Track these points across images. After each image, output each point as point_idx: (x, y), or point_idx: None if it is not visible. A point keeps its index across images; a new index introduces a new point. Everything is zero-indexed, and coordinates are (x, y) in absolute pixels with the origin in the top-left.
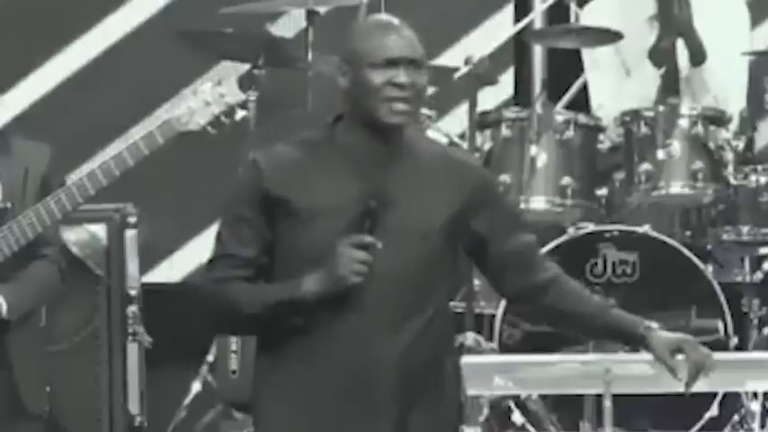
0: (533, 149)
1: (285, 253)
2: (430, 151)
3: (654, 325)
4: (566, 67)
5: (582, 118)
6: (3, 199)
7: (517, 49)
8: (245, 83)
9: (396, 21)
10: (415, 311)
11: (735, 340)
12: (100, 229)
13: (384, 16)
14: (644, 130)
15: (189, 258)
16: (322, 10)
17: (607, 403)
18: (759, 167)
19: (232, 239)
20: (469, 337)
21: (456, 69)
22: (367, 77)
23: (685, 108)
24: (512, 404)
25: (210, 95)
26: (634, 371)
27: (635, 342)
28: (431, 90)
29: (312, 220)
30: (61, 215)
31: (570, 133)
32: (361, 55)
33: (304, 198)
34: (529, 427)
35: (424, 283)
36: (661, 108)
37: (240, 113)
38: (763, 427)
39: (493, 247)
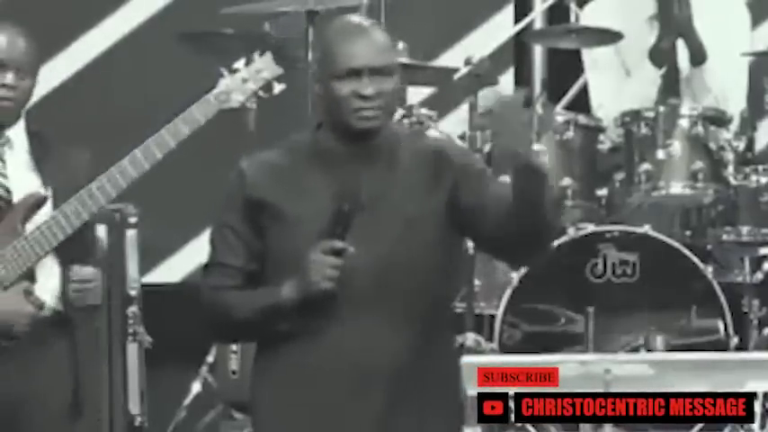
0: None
1: (273, 258)
2: (413, 148)
3: None
4: (566, 68)
5: (582, 118)
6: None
7: (517, 49)
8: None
9: (364, 24)
10: (408, 309)
11: (735, 340)
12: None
13: (353, 20)
14: (644, 130)
15: (189, 259)
16: (322, 10)
17: None
18: (759, 168)
19: (221, 248)
20: (469, 338)
21: (456, 70)
22: (332, 88)
23: (686, 108)
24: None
25: (247, 72)
26: (634, 371)
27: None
28: (431, 90)
29: (295, 225)
30: (106, 201)
31: (570, 134)
32: (325, 65)
33: (286, 203)
34: (529, 427)
35: (415, 280)
36: (661, 108)
37: (278, 87)
38: (763, 427)
39: (485, 215)
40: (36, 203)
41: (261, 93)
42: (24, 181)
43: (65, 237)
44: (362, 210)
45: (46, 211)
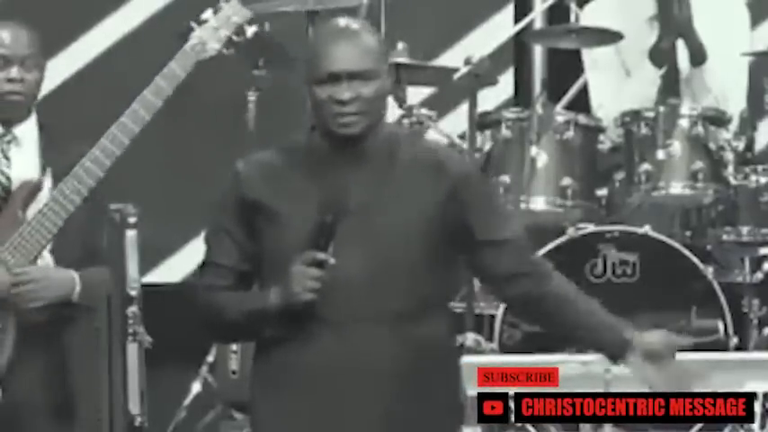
0: (533, 150)
1: (268, 258)
2: (411, 151)
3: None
4: (566, 68)
5: (582, 118)
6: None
7: (517, 49)
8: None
9: (349, 28)
10: (401, 312)
11: (735, 340)
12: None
13: (338, 23)
14: (644, 130)
15: (189, 259)
16: (322, 10)
17: None
18: (759, 168)
19: (215, 247)
20: (469, 338)
21: (456, 69)
22: (313, 93)
23: (685, 108)
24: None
25: (216, 21)
26: None
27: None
28: (431, 90)
29: (288, 227)
30: (102, 171)
31: (570, 134)
32: (308, 69)
33: (279, 204)
34: (529, 427)
35: (408, 284)
36: (661, 108)
37: (251, 30)
38: (763, 427)
39: (486, 248)
40: (33, 189)
41: (235, 38)
42: (29, 177)
43: (68, 215)
44: (349, 216)
45: (45, 194)
